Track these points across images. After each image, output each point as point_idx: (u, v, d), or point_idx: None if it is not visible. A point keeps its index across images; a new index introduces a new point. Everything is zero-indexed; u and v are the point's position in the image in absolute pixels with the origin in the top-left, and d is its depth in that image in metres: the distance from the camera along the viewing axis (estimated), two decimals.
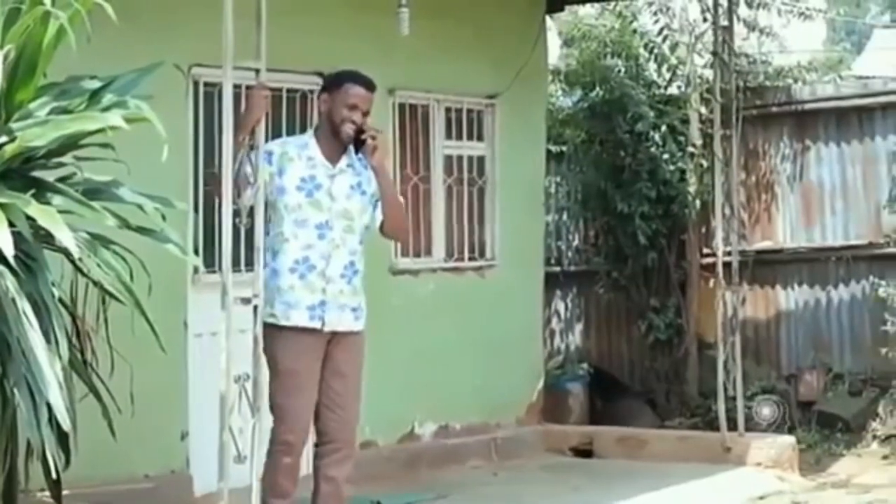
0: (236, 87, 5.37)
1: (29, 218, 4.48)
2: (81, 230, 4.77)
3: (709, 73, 11.04)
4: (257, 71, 5.28)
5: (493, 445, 9.41)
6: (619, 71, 11.97)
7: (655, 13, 12.21)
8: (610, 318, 12.43)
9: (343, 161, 5.86)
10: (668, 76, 12.21)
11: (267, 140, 5.74)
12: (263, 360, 5.48)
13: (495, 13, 9.61)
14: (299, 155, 5.79)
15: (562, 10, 11.15)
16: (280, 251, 5.71)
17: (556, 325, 12.61)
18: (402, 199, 6.20)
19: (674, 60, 12.13)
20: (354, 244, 5.86)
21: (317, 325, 5.74)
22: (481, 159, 9.67)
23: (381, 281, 8.80)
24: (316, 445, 5.87)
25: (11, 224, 4.39)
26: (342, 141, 5.83)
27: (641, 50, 12.09)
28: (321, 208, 5.76)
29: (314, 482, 5.83)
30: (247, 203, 5.48)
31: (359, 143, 5.84)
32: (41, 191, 4.70)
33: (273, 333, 5.59)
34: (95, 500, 6.51)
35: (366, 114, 5.87)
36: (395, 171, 8.96)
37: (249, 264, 5.97)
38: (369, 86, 5.93)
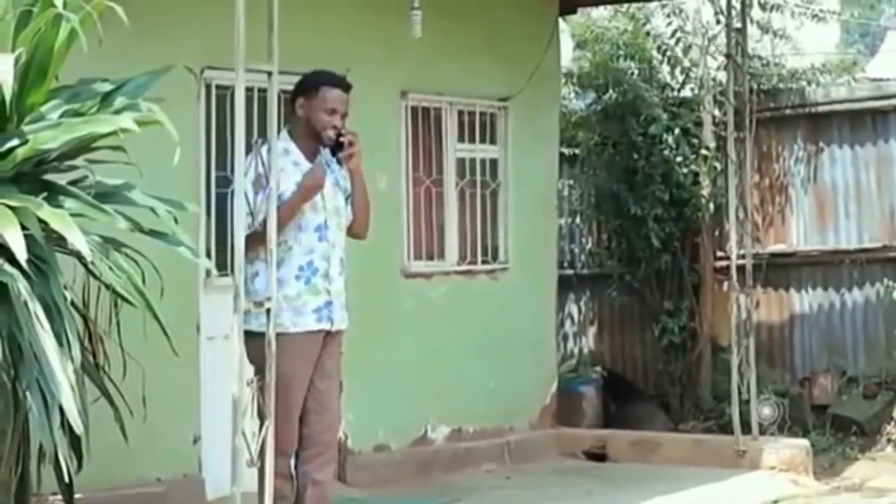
0: (248, 89, 5.36)
1: (41, 221, 4.47)
2: (93, 233, 4.75)
3: (722, 76, 11.00)
4: (269, 73, 5.26)
5: (507, 449, 9.39)
6: (632, 73, 11.94)
7: (668, 15, 12.18)
8: (623, 321, 12.40)
9: (320, 159, 5.84)
10: (681, 78, 12.18)
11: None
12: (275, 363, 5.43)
13: (508, 15, 9.59)
14: (285, 163, 5.70)
15: (574, 12, 11.13)
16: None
17: (570, 328, 12.59)
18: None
19: (687, 63, 12.10)
20: (343, 241, 5.87)
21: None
22: (494, 162, 9.65)
23: (394, 284, 8.80)
24: (299, 450, 5.81)
25: (24, 227, 4.38)
26: (322, 143, 5.81)
27: (654, 52, 12.06)
28: (317, 209, 5.75)
29: (299, 486, 5.78)
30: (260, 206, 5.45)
31: (337, 146, 5.80)
32: (53, 194, 4.69)
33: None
34: (107, 503, 6.51)
35: (344, 115, 5.84)
36: (408, 174, 8.96)
37: None
38: (345, 86, 5.89)
